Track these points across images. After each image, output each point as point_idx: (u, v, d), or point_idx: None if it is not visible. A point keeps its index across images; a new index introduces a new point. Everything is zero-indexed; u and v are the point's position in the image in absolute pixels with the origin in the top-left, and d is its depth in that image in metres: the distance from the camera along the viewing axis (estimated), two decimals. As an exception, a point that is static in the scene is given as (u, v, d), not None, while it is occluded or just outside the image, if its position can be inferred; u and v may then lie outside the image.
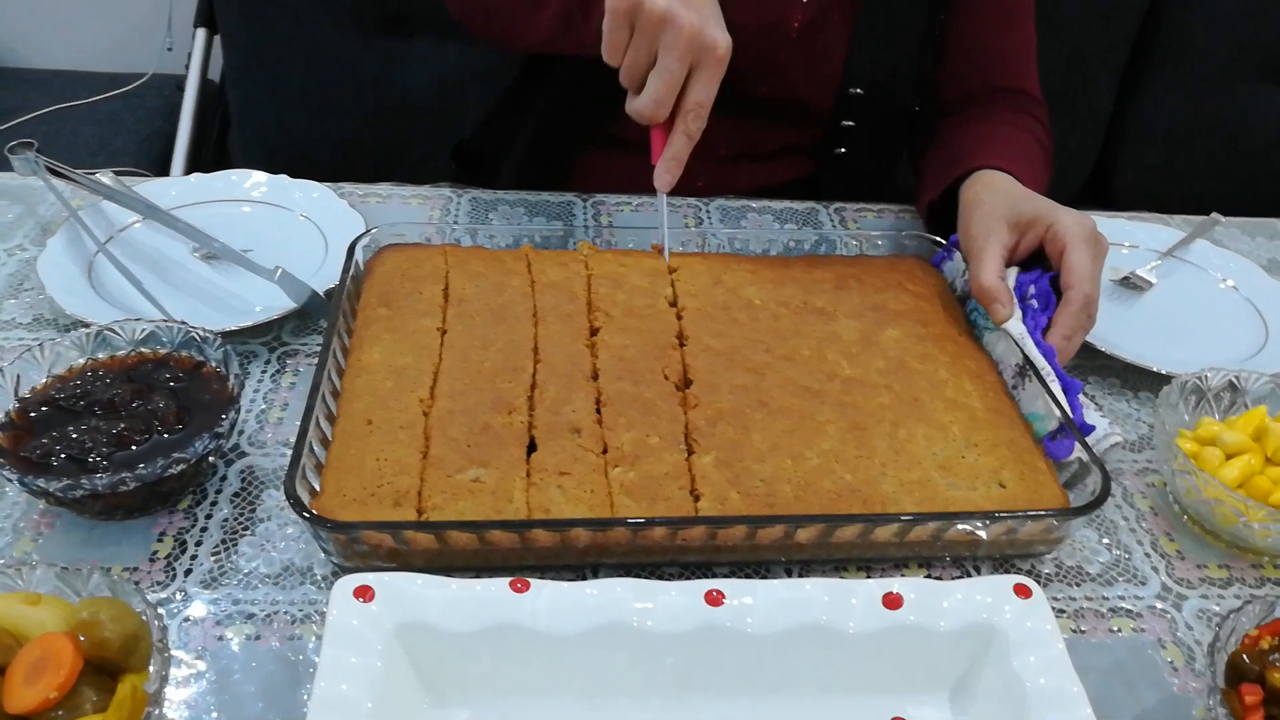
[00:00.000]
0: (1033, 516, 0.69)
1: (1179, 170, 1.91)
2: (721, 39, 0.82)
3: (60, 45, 2.18)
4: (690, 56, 0.81)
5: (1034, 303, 0.87)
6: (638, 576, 0.64)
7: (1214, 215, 1.18)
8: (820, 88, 1.16)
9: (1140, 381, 0.93)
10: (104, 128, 1.88)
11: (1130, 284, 1.06)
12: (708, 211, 1.14)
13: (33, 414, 0.72)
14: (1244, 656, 0.62)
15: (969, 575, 0.73)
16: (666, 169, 0.87)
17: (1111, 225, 1.14)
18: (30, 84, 1.97)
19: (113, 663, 0.57)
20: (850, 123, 1.18)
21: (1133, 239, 1.13)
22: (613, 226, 1.09)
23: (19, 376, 0.74)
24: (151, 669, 0.57)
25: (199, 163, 1.83)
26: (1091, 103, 1.87)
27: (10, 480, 0.67)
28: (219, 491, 0.75)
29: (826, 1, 1.11)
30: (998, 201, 0.93)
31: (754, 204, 1.16)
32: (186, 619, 0.66)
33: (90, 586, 0.61)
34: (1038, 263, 0.91)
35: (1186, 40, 1.80)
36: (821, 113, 1.18)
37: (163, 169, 1.83)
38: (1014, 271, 0.90)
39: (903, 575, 0.73)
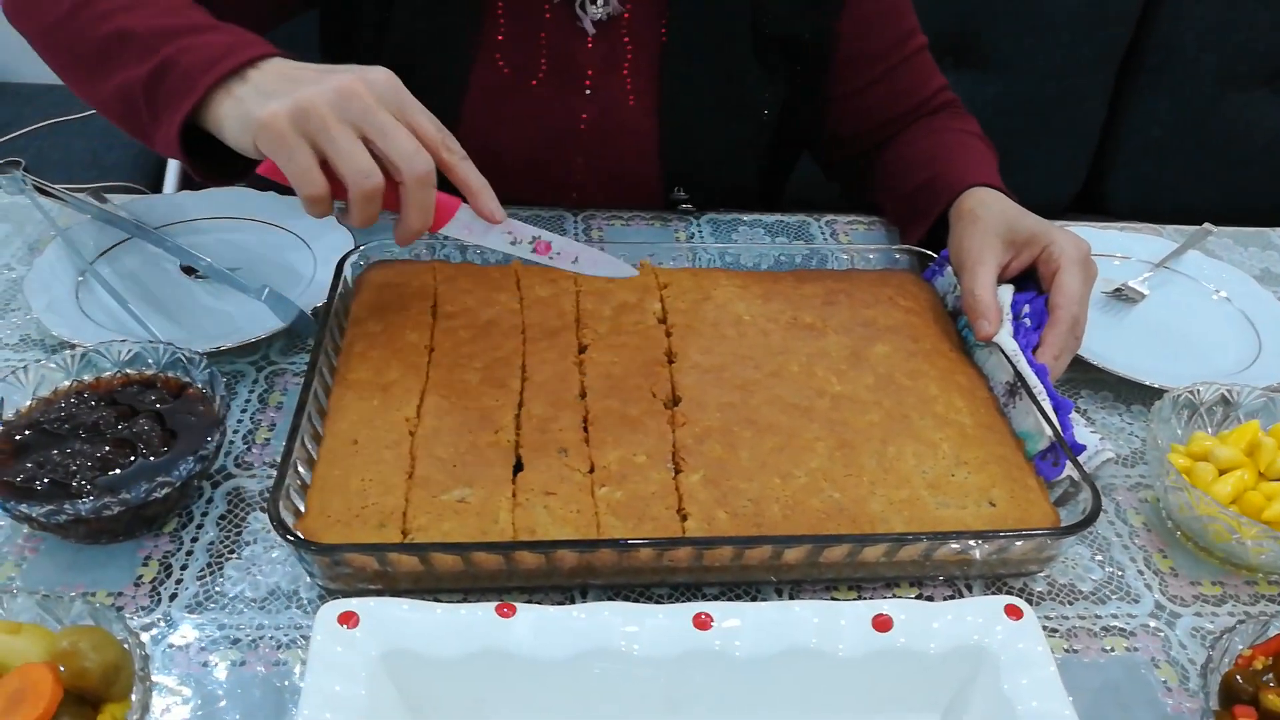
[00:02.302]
0: (1021, 536, 0.69)
1: (1171, 179, 1.91)
2: (376, 72, 0.74)
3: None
4: (387, 103, 0.72)
5: (1027, 321, 0.86)
6: (627, 597, 0.63)
7: (1206, 226, 1.17)
8: (635, 182, 1.14)
9: (1133, 395, 0.92)
10: (97, 143, 1.87)
11: (1123, 296, 1.06)
12: (699, 225, 1.14)
13: (17, 437, 0.72)
14: (1237, 677, 0.62)
15: (961, 594, 0.73)
16: (489, 201, 0.77)
17: (1103, 236, 1.13)
18: (23, 99, 1.96)
19: (93, 693, 0.56)
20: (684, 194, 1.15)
21: (1125, 250, 1.13)
22: (604, 241, 1.08)
23: (3, 399, 0.73)
24: (133, 698, 0.57)
25: (193, 179, 1.82)
26: (1083, 113, 1.87)
27: (-7, 505, 0.67)
28: (205, 514, 0.75)
29: (616, 96, 1.08)
30: (993, 218, 0.92)
31: (745, 217, 1.16)
32: (171, 645, 0.66)
33: (72, 614, 0.60)
34: (1030, 283, 0.90)
35: (1177, 49, 1.81)
36: (649, 197, 1.15)
37: (156, 185, 1.82)
38: (1009, 289, 0.90)
39: (894, 595, 0.72)
